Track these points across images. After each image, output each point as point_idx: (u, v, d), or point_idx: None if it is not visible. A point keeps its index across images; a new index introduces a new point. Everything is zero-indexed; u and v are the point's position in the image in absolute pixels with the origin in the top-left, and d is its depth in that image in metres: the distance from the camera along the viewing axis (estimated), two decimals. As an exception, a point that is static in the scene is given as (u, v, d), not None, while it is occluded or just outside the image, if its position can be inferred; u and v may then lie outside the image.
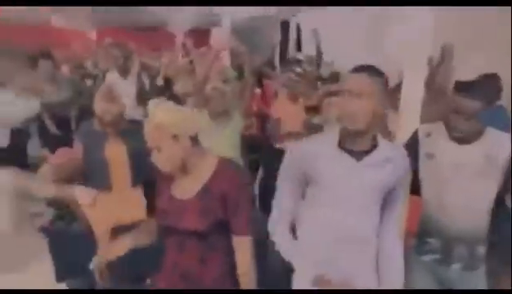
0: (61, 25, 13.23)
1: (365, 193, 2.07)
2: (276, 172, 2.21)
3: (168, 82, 5.63)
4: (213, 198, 2.00)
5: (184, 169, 2.06)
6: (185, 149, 2.00)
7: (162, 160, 1.98)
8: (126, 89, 5.12)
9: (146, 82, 5.84)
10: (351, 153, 2.08)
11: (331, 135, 2.12)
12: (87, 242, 2.75)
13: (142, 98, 5.34)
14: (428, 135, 2.51)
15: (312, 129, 3.99)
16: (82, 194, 2.58)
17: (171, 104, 2.00)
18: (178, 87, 5.35)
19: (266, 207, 2.43)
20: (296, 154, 2.13)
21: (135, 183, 3.02)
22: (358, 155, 2.08)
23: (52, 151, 3.30)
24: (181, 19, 10.18)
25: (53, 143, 4.70)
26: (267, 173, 4.82)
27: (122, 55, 5.57)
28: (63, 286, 2.95)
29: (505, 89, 3.81)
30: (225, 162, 2.09)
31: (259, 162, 5.10)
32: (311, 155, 2.08)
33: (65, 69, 6.99)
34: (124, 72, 5.48)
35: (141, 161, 2.57)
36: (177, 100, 4.66)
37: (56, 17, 12.42)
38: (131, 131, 3.04)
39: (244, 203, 2.01)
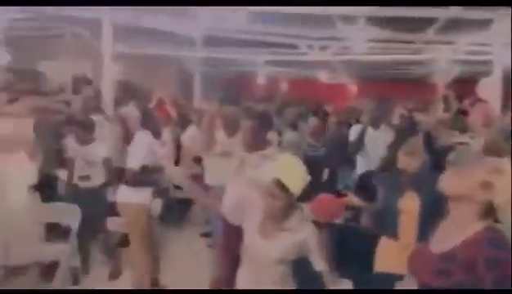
0: (326, 79, 14.56)
1: None
2: None
3: (432, 134, 5.46)
4: (461, 259, 1.84)
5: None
6: (480, 198, 1.89)
7: (453, 185, 1.93)
8: (377, 140, 5.19)
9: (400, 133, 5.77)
10: None
11: None
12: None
13: (393, 148, 5.24)
14: None
15: None
16: None
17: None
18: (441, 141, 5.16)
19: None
20: None
21: (422, 236, 3.02)
22: None
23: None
24: (444, 69, 9.85)
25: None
26: None
27: (379, 107, 5.64)
28: None
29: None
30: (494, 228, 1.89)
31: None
32: None
33: (332, 120, 7.56)
34: (377, 124, 5.50)
35: (431, 214, 2.58)
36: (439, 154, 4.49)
37: (322, 72, 13.74)
38: (425, 184, 3.09)
39: (493, 281, 1.73)
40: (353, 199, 3.41)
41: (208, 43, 8.81)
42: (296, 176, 2.39)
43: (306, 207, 3.48)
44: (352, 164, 5.66)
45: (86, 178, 4.48)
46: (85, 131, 4.46)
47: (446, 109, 7.19)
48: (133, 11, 6.76)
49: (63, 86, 8.27)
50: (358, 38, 7.84)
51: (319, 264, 2.44)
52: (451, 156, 2.19)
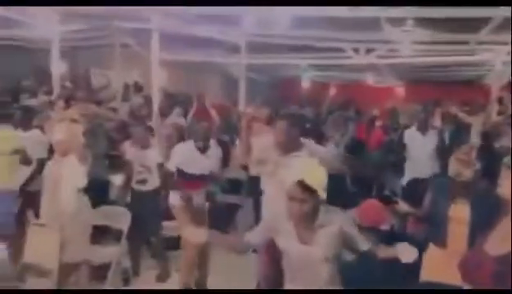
0: (373, 83, 14.27)
1: None
2: None
3: (487, 137, 5.24)
4: None
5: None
6: None
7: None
8: (425, 145, 5.04)
9: (447, 137, 5.58)
10: None
11: None
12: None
13: (442, 153, 5.07)
14: None
15: None
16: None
17: None
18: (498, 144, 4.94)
19: None
20: None
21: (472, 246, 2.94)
22: None
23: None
24: (499, 71, 9.41)
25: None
26: None
27: (423, 110, 5.47)
28: None
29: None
30: None
31: None
32: None
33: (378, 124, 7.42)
34: (424, 128, 5.34)
35: (483, 223, 2.50)
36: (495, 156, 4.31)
37: (369, 75, 13.50)
38: (477, 192, 2.99)
39: None
40: (403, 206, 3.33)
41: (252, 49, 8.87)
42: (318, 175, 2.33)
43: (352, 213, 3.45)
44: (399, 169, 5.53)
45: (143, 182, 4.60)
46: (143, 136, 4.58)
47: (501, 112, 6.89)
48: (180, 20, 6.91)
49: (114, 93, 8.60)
50: (406, 40, 7.67)
51: (363, 243, 2.42)
52: (506, 159, 2.10)
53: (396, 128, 6.83)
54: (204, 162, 4.24)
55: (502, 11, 5.71)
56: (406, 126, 5.92)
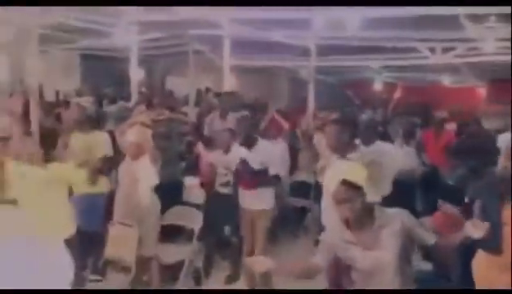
0: (450, 83, 13.59)
1: None
2: None
3: None
4: None
5: None
6: None
7: None
8: None
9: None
10: None
11: None
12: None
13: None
14: None
15: None
16: None
17: None
18: None
19: None
20: None
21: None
22: None
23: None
24: None
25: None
26: None
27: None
28: None
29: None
30: None
31: None
32: None
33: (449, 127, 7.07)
34: None
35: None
36: None
37: (445, 75, 12.85)
38: None
39: None
40: (451, 209, 3.21)
41: (322, 52, 8.80)
42: (359, 173, 2.31)
43: (427, 221, 3.32)
44: (482, 174, 5.21)
45: (226, 185, 4.65)
46: (227, 140, 4.49)
47: None
48: (250, 26, 7.01)
49: (186, 98, 8.91)
50: (489, 37, 7.20)
51: (429, 237, 2.33)
52: None
53: (474, 131, 6.46)
54: (249, 158, 4.15)
55: None
56: (498, 130, 5.63)
